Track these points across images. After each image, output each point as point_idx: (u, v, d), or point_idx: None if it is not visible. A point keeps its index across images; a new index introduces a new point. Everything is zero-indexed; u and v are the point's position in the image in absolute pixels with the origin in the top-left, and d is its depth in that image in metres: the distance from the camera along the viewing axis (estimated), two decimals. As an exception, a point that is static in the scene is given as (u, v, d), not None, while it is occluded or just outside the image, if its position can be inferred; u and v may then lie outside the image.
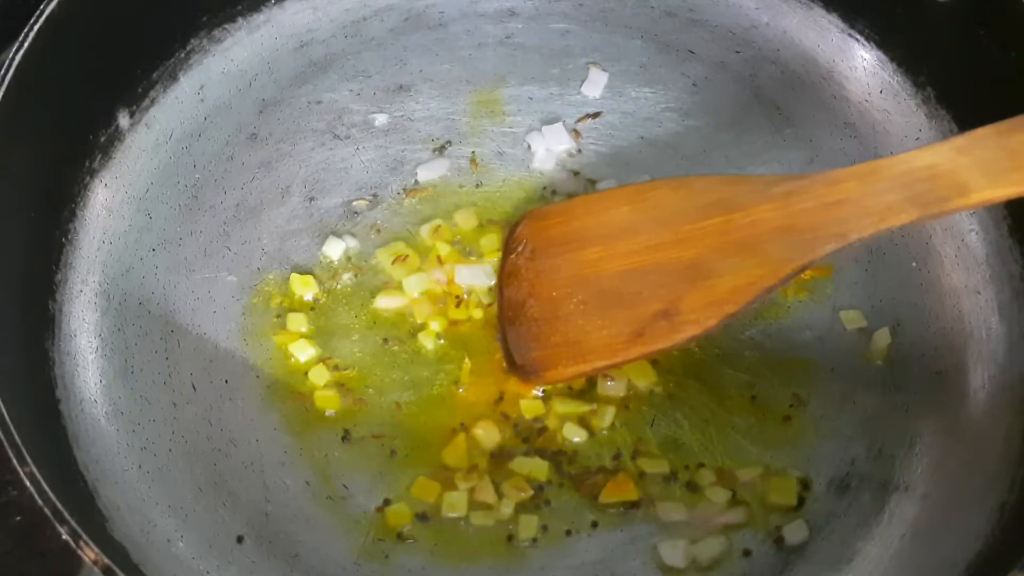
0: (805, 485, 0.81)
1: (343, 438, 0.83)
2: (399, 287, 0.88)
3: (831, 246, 0.72)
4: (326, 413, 0.84)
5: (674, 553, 0.79)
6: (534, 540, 0.80)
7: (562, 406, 0.83)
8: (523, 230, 0.87)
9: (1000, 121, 0.69)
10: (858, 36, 0.95)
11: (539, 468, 0.82)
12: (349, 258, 0.89)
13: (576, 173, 0.93)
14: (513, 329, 0.84)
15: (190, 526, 0.79)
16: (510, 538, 0.80)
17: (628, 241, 0.80)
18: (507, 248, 0.87)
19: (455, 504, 0.81)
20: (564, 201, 0.90)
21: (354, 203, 0.92)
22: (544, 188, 0.92)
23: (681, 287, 0.76)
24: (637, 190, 0.84)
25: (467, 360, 0.85)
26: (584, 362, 0.80)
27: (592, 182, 0.92)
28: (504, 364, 0.85)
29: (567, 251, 0.83)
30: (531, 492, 0.81)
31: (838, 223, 0.72)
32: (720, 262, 0.75)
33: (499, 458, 0.82)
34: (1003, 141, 0.68)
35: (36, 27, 0.80)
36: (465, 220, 0.91)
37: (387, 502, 0.81)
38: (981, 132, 0.70)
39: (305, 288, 0.88)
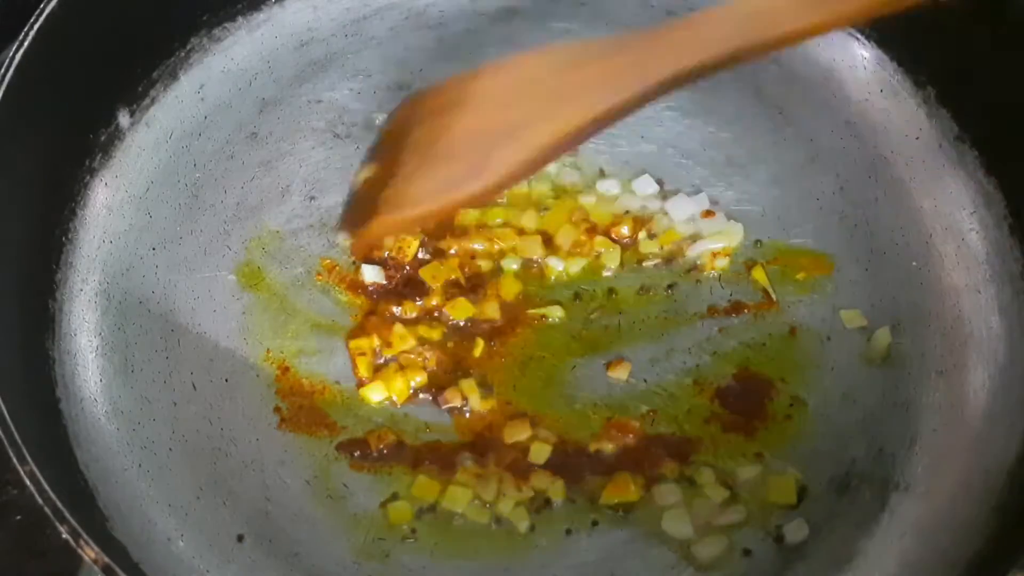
0: (804, 484, 0.81)
1: (344, 437, 0.83)
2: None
3: (643, 85, 0.71)
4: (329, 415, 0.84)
5: (679, 524, 0.79)
6: (531, 528, 0.80)
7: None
8: (399, 107, 0.85)
9: None
10: (858, 35, 0.95)
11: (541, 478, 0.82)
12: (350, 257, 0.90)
13: (577, 169, 0.93)
14: (362, 191, 0.83)
15: (190, 525, 0.79)
16: (509, 535, 0.80)
17: (473, 110, 0.79)
18: (387, 120, 0.86)
19: (456, 499, 0.81)
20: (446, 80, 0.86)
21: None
22: (544, 186, 0.93)
23: (496, 144, 0.76)
24: (502, 64, 0.82)
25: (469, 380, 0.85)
26: (397, 213, 0.79)
27: (592, 180, 0.93)
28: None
29: (425, 119, 0.81)
30: (532, 492, 0.81)
31: (653, 68, 0.71)
32: (534, 115, 0.75)
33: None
34: None
35: (36, 26, 0.80)
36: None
37: (388, 500, 0.81)
38: None
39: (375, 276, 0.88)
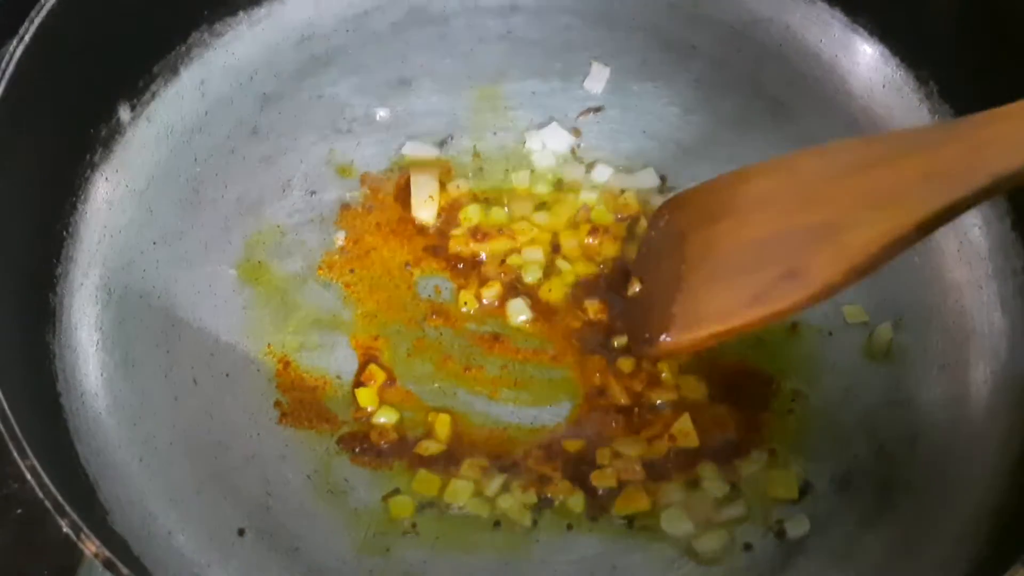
0: (806, 480, 0.81)
1: (345, 431, 0.83)
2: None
3: (981, 182, 0.65)
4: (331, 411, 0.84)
5: (678, 523, 0.79)
6: (533, 523, 0.80)
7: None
8: (663, 210, 0.85)
9: None
10: (861, 31, 0.95)
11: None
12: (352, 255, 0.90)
13: (580, 163, 0.93)
14: (635, 304, 0.83)
15: (191, 519, 0.79)
16: (510, 530, 0.80)
17: (762, 211, 0.76)
18: (649, 226, 0.86)
19: (458, 493, 0.81)
20: (706, 181, 0.85)
21: (355, 198, 0.92)
22: (545, 184, 0.93)
23: (810, 247, 0.71)
24: (778, 162, 0.79)
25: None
26: (699, 328, 0.76)
27: (595, 175, 0.93)
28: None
29: (702, 226, 0.79)
30: (537, 499, 0.81)
31: (991, 160, 0.65)
32: (853, 216, 0.70)
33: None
34: None
35: (37, 21, 0.80)
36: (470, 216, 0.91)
37: (390, 494, 0.81)
38: None
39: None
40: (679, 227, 0.81)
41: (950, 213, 0.67)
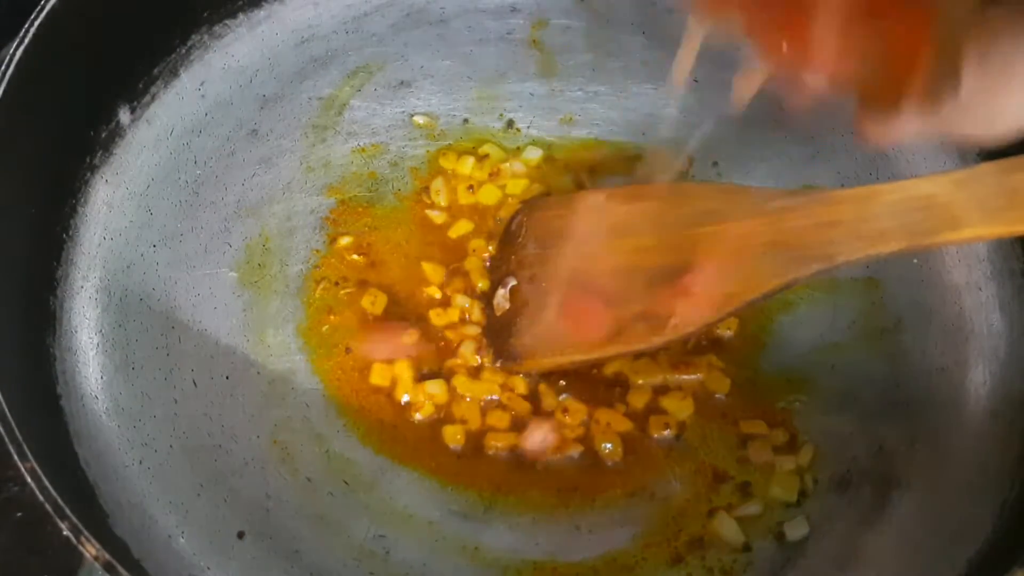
0: (805, 481, 0.81)
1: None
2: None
3: (817, 266, 0.72)
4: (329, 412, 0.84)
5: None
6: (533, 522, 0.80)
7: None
8: (523, 219, 0.87)
9: (1003, 159, 0.68)
10: (860, 32, 0.95)
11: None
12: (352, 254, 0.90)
13: (576, 169, 0.93)
14: (499, 315, 0.84)
15: (191, 522, 0.79)
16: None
17: (621, 241, 0.80)
18: (504, 236, 0.87)
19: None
20: (565, 195, 0.90)
21: (355, 199, 0.92)
22: (543, 185, 0.92)
23: (665, 292, 0.76)
24: (636, 191, 0.84)
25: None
26: (561, 354, 0.81)
27: (591, 179, 0.93)
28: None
29: (563, 244, 0.83)
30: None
31: (827, 244, 0.71)
32: (706, 271, 0.75)
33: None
34: (1003, 179, 0.67)
35: (37, 23, 0.80)
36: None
37: (389, 497, 0.81)
38: (983, 168, 0.69)
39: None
40: (541, 240, 0.84)
41: (792, 285, 0.73)
